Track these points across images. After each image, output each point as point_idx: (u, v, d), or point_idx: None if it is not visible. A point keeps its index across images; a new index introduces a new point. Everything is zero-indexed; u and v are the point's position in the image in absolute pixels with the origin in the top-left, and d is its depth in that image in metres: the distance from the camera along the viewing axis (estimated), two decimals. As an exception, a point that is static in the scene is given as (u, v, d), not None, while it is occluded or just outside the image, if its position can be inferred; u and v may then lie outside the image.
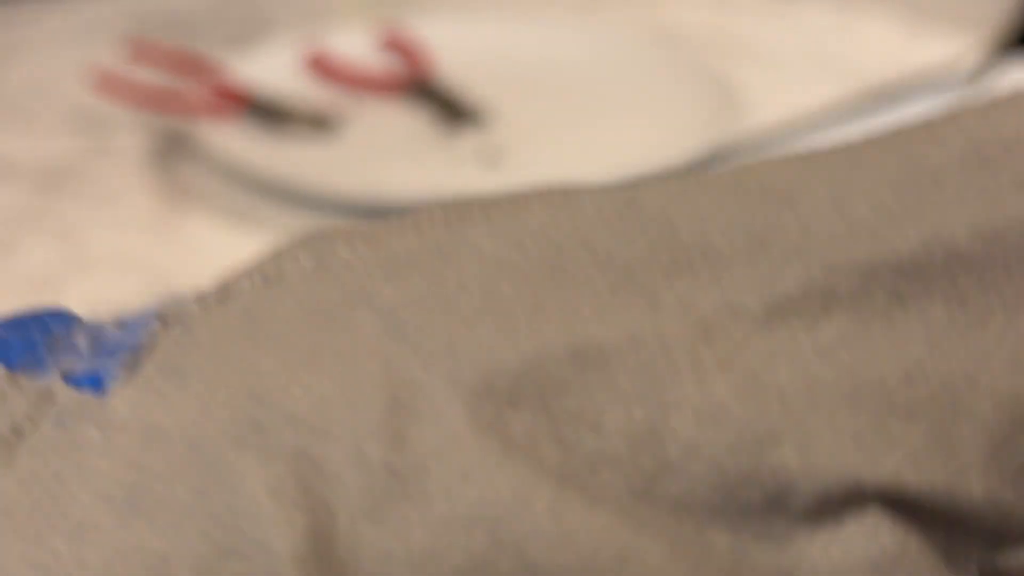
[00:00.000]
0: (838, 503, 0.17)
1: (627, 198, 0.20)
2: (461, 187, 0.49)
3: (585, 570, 0.16)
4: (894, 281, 0.18)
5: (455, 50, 0.64)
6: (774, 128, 0.55)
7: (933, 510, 0.17)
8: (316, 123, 0.57)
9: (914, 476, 0.17)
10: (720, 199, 0.20)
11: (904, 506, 0.17)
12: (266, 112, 0.57)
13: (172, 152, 0.57)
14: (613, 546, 0.16)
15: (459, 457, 0.17)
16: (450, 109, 0.59)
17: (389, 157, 0.55)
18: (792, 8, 0.75)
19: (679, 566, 0.16)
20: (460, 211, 0.21)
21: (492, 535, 0.16)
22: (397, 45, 0.65)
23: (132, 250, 0.49)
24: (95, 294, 0.45)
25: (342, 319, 0.19)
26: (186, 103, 0.57)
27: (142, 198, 0.53)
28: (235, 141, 0.55)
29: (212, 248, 0.49)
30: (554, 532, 0.16)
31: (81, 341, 0.21)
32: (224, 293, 0.20)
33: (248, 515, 0.17)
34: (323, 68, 0.62)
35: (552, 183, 0.21)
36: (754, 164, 0.21)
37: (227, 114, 0.57)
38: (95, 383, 0.20)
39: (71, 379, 0.20)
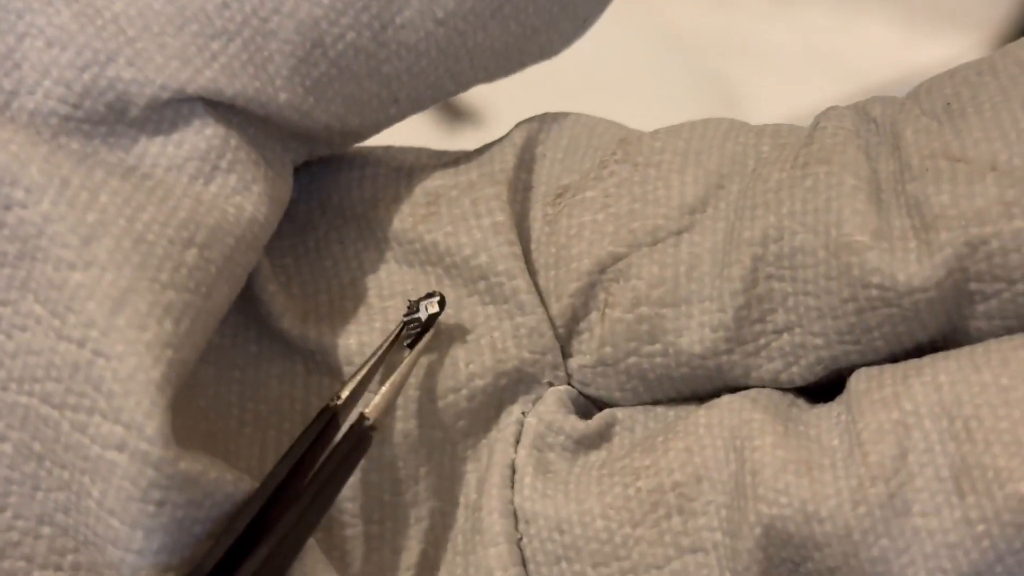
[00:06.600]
0: (169, 111, 0.21)
1: None
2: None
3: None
4: None
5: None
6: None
7: (247, 112, 0.22)
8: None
9: (229, 84, 0.22)
10: None
11: (223, 109, 0.22)
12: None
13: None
14: None
15: None
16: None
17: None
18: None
19: (34, 151, 0.20)
20: None
21: None
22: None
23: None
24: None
25: None
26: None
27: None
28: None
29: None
30: None
31: None
32: None
33: None
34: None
35: None
36: None
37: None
38: None
39: None
